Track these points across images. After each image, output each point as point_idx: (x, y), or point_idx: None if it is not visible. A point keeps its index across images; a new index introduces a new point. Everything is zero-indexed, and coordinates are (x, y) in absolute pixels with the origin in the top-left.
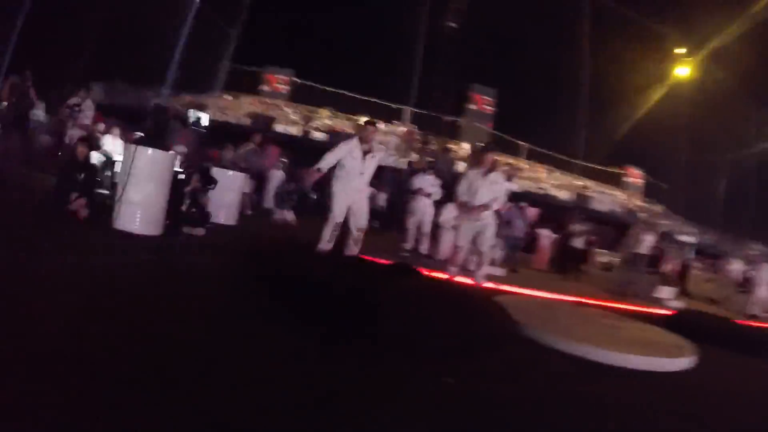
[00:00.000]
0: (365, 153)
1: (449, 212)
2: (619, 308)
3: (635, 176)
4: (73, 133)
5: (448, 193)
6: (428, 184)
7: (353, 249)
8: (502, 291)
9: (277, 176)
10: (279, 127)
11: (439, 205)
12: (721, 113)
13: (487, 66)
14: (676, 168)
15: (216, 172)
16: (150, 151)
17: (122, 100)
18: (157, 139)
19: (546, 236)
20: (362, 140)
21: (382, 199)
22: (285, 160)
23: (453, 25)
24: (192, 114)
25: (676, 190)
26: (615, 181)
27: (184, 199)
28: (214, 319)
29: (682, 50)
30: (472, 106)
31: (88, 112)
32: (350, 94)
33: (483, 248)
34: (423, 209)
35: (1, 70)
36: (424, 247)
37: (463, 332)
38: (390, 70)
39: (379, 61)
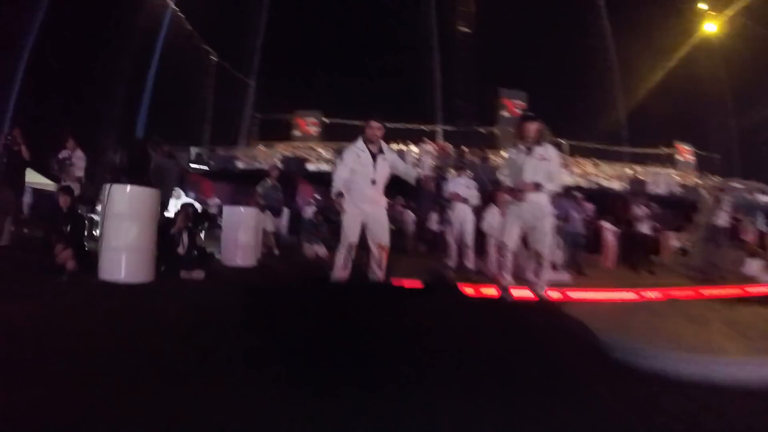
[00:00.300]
0: (374, 155)
1: (493, 216)
2: (718, 294)
3: (685, 152)
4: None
5: (490, 197)
6: (462, 187)
7: (377, 273)
8: (570, 299)
9: (308, 213)
10: (311, 166)
11: (479, 210)
12: (760, 67)
13: (509, 66)
14: (725, 136)
15: (227, 210)
16: (128, 188)
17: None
18: (136, 174)
19: (609, 230)
20: (367, 140)
21: (434, 221)
22: (319, 198)
23: (465, 29)
24: (192, 152)
25: (729, 158)
26: (665, 161)
27: (180, 241)
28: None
29: (705, 6)
30: (505, 113)
31: (79, 164)
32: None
33: (541, 248)
34: (461, 217)
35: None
36: (469, 261)
37: (523, 363)
38: (414, 92)
39: (403, 85)
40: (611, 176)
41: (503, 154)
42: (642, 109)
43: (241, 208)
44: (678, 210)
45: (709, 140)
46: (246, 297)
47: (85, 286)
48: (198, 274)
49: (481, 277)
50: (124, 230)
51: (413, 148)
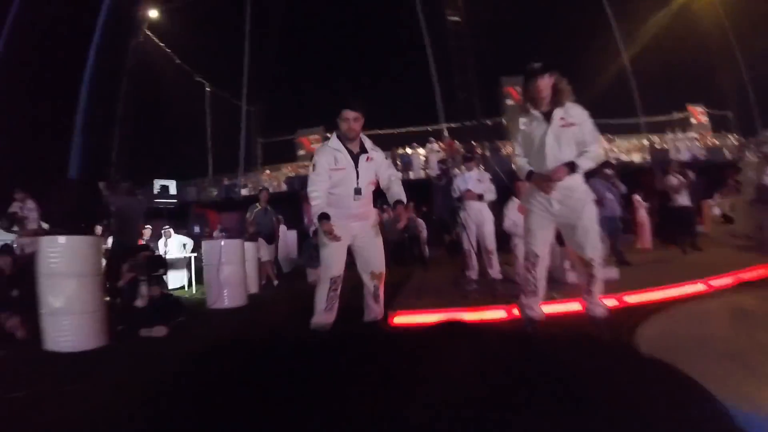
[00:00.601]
0: (356, 156)
1: (515, 212)
2: None
3: (699, 114)
4: (22, 243)
5: (510, 190)
6: (474, 181)
7: (374, 309)
8: (627, 304)
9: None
10: None
11: (498, 206)
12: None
13: (505, 50)
14: (737, 91)
15: (205, 245)
16: (61, 239)
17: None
18: (72, 221)
19: (642, 206)
20: (345, 138)
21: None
22: None
23: (455, 18)
24: (155, 185)
25: (747, 113)
26: (680, 126)
27: (137, 293)
28: None
29: None
30: (509, 101)
31: (32, 216)
32: (383, 131)
33: (589, 252)
34: (478, 218)
35: None
36: (495, 270)
37: None
38: (413, 93)
39: (400, 88)
40: (628, 149)
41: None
42: (647, 75)
43: (221, 242)
44: (708, 175)
45: (721, 98)
46: (196, 366)
47: (22, 360)
48: (158, 331)
49: (509, 285)
50: (62, 290)
51: (421, 151)
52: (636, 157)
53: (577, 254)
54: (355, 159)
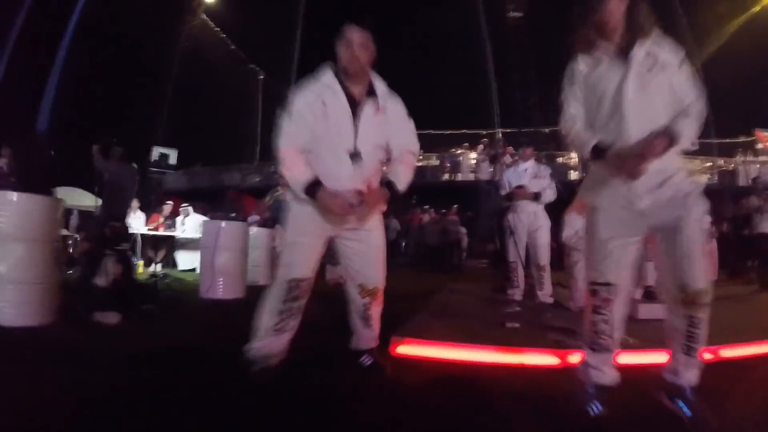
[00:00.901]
0: (356, 102)
1: (579, 219)
2: None
3: (766, 139)
4: None
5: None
6: (528, 176)
7: (362, 335)
8: (722, 358)
9: None
10: None
11: (557, 211)
12: None
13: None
14: None
15: (204, 226)
16: (14, 197)
17: (201, 183)
18: (24, 179)
19: (711, 230)
20: (344, 71)
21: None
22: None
23: (517, 14)
24: (154, 152)
25: None
26: (745, 150)
27: (100, 270)
28: None
29: None
30: None
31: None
32: (435, 132)
33: (689, 279)
34: (531, 223)
35: None
36: (545, 292)
37: None
38: (469, 93)
39: (458, 89)
40: (693, 170)
41: (573, 155)
42: (715, 96)
43: (222, 223)
44: None
45: None
46: (125, 370)
47: None
48: (111, 318)
49: (562, 313)
50: (10, 255)
51: (471, 155)
52: (702, 179)
53: (673, 282)
54: (355, 106)
